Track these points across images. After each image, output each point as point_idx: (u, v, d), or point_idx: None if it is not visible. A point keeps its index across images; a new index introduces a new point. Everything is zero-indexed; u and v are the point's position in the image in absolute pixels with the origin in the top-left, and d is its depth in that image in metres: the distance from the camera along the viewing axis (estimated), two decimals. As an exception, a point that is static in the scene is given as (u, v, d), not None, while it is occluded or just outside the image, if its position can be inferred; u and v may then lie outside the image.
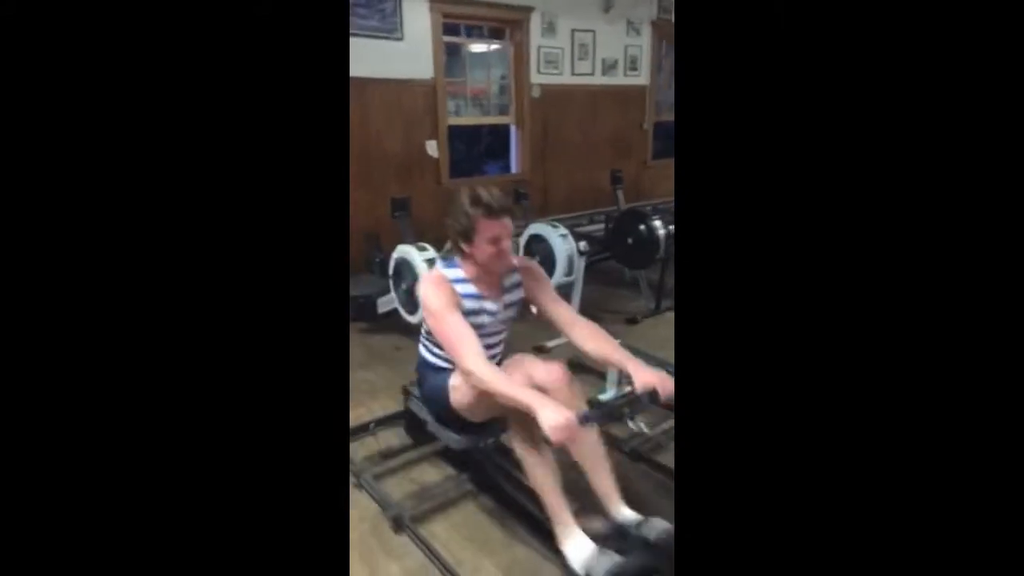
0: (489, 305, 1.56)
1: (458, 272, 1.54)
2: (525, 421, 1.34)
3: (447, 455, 1.92)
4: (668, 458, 1.88)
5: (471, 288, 1.53)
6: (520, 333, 2.85)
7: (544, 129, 4.68)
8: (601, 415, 1.72)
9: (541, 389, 1.44)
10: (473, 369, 1.36)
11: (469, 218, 1.43)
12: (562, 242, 2.78)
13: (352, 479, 1.80)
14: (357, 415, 2.21)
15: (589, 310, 3.14)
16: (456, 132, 4.33)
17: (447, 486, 1.81)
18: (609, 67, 4.91)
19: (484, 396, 1.38)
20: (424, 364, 1.68)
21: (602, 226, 3.78)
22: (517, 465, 1.50)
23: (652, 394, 1.35)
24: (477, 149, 5.35)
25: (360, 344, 2.93)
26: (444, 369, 1.59)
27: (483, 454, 1.83)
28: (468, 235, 1.46)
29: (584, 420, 1.31)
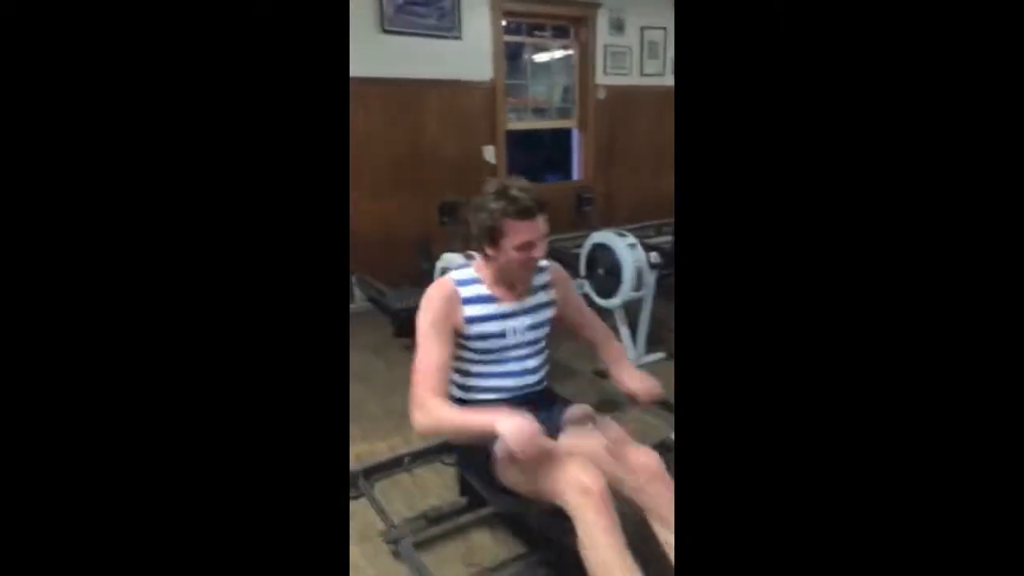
0: (505, 307, 1.29)
1: (469, 271, 1.31)
2: (559, 471, 1.08)
3: (510, 519, 1.49)
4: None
5: (483, 289, 1.28)
6: (575, 351, 2.56)
7: (610, 133, 4.37)
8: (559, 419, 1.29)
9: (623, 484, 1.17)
10: (421, 398, 1.16)
11: (495, 218, 1.19)
12: (630, 252, 2.45)
13: (390, 546, 1.45)
14: (392, 444, 1.95)
15: (658, 330, 2.80)
16: (515, 138, 4.09)
17: (513, 569, 1.37)
18: (682, 66, 4.54)
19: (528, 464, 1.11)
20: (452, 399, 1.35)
21: (671, 238, 3.48)
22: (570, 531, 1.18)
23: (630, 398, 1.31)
24: (538, 157, 5.10)
25: (405, 362, 2.68)
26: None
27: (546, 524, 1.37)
28: (493, 238, 1.22)
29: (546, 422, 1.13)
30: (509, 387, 1.31)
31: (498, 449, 1.16)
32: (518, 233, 1.19)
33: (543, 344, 1.38)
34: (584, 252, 2.69)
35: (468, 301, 1.26)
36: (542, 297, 1.36)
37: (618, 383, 1.36)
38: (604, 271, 2.56)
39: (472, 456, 1.30)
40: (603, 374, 2.49)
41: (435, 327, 1.22)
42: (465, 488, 1.54)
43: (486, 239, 1.23)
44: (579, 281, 2.68)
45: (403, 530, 1.48)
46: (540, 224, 1.21)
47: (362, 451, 1.95)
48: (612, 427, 1.28)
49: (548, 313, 1.36)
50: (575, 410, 1.33)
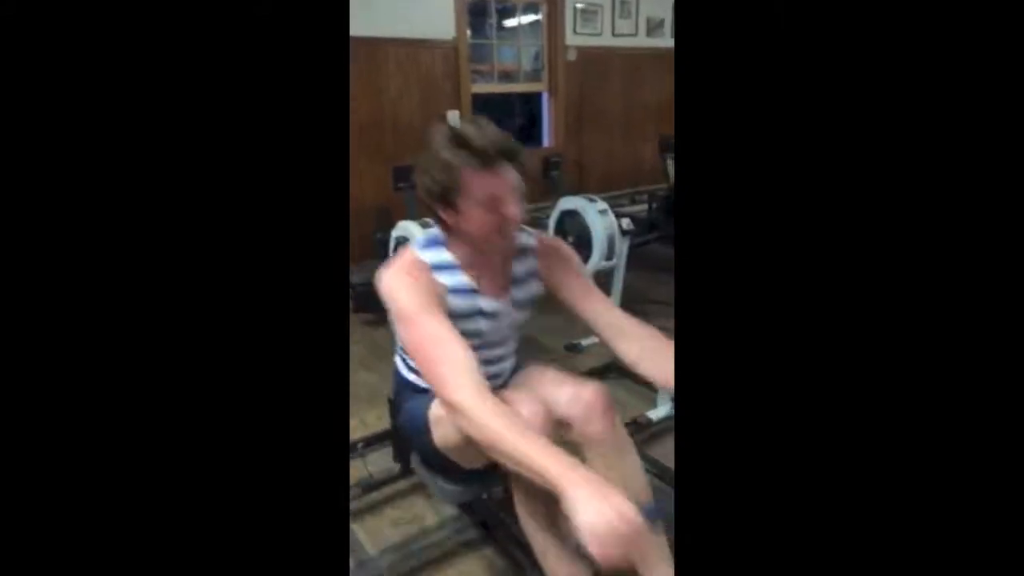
0: (488, 303, 1.04)
1: (442, 254, 1.01)
2: (542, 496, 0.88)
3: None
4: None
5: (461, 278, 1.01)
6: (546, 326, 2.46)
7: (580, 97, 4.18)
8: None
9: (566, 422, 0.98)
10: (462, 404, 0.84)
11: (450, 170, 0.91)
12: (601, 219, 2.30)
13: None
14: (351, 426, 1.80)
15: (632, 302, 2.68)
16: (482, 103, 3.88)
17: (443, 534, 1.38)
18: (655, 27, 4.35)
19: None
20: (400, 382, 1.17)
21: (645, 207, 3.36)
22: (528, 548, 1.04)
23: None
24: (506, 124, 4.89)
25: (362, 339, 2.53)
26: (426, 392, 1.07)
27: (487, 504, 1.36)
28: (449, 197, 0.93)
29: (651, 516, 0.82)
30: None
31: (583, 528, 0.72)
32: (480, 186, 0.91)
33: (515, 336, 1.17)
34: (552, 220, 2.54)
35: (453, 292, 1.00)
36: (529, 290, 1.10)
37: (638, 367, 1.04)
38: (574, 239, 2.42)
39: (411, 432, 1.11)
40: (574, 348, 2.38)
41: (426, 305, 0.93)
42: (399, 454, 1.48)
43: (440, 201, 0.94)
44: (548, 250, 2.54)
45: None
46: (510, 175, 0.93)
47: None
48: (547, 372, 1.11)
49: (530, 307, 1.13)
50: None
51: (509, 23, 4.07)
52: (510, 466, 0.81)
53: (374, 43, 3.30)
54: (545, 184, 3.05)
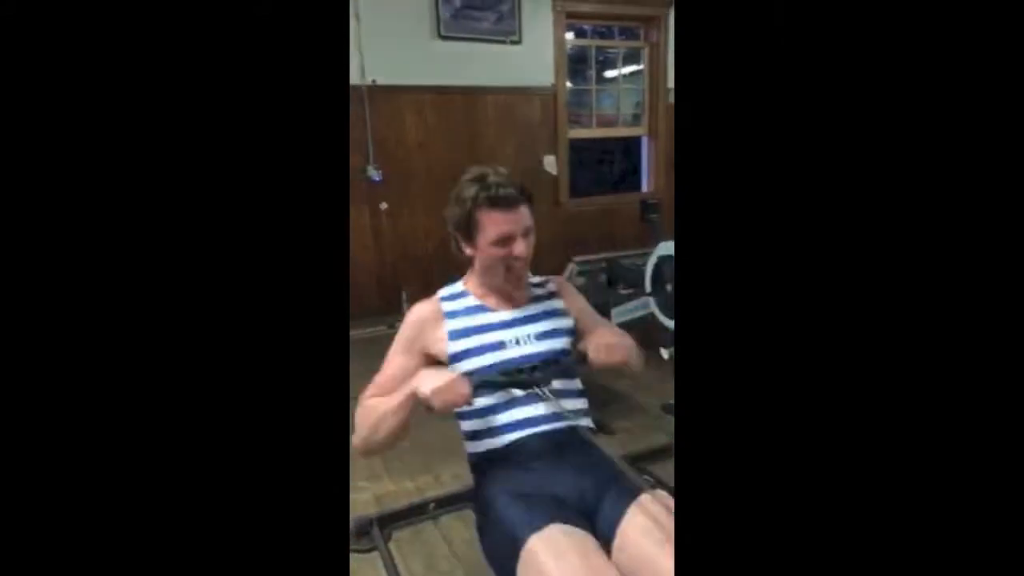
0: (503, 316, 1.06)
1: (457, 286, 1.11)
2: None
3: None
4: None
5: (472, 301, 1.08)
6: (639, 383, 2.24)
7: (683, 141, 4.01)
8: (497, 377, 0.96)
9: None
10: (353, 442, 0.97)
11: (468, 208, 0.98)
12: (704, 266, 2.11)
13: None
14: (420, 485, 1.70)
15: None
16: (580, 151, 3.82)
17: None
18: (765, 66, 4.14)
19: None
20: (470, 458, 1.07)
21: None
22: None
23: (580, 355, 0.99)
24: (608, 171, 4.80)
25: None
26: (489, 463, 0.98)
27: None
28: (468, 231, 1.01)
29: (477, 381, 0.92)
30: (534, 417, 0.98)
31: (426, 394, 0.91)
32: (494, 225, 0.98)
33: (567, 359, 1.02)
34: (649, 265, 2.36)
35: (453, 315, 1.06)
36: (549, 304, 1.10)
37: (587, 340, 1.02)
38: (672, 287, 2.22)
39: (494, 538, 0.94)
40: (671, 410, 2.15)
41: (402, 344, 1.06)
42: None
43: (461, 234, 1.02)
44: (643, 299, 2.35)
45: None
46: (522, 215, 0.99)
47: (385, 491, 1.71)
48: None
49: (565, 322, 1.08)
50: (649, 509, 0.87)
51: (610, 74, 4.02)
52: (388, 436, 0.95)
53: (473, 92, 3.36)
54: (643, 228, 2.89)
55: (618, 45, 3.96)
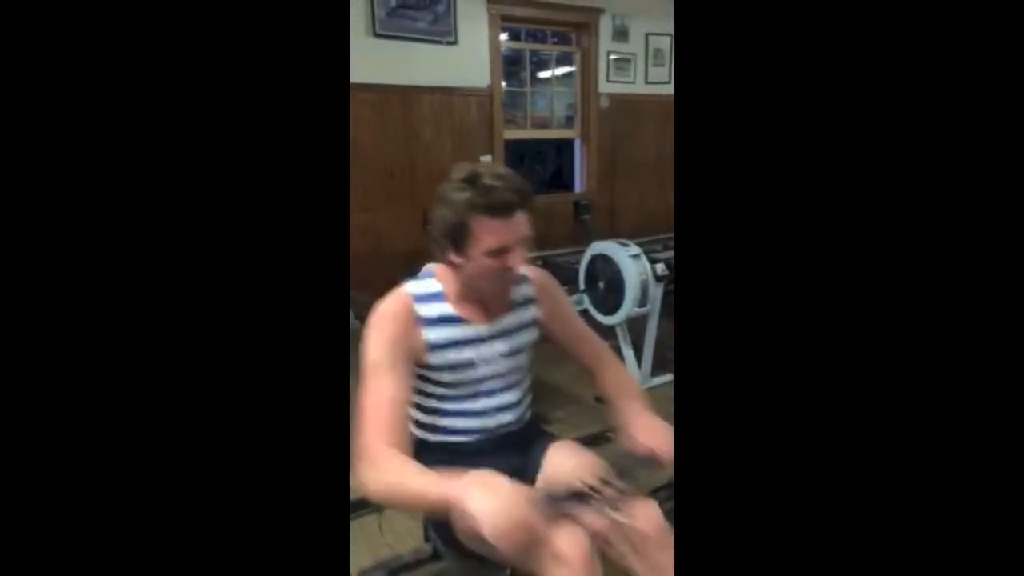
0: (476, 330, 0.99)
1: (431, 284, 1.00)
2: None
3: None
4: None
5: (447, 309, 0.98)
6: (575, 375, 2.35)
7: (613, 144, 4.18)
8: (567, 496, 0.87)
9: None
10: (367, 479, 0.82)
11: (460, 213, 0.89)
12: (634, 264, 2.23)
13: None
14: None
15: (665, 350, 2.56)
16: (515, 151, 3.91)
17: None
18: (688, 75, 4.37)
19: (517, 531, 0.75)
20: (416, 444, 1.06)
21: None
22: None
23: (650, 455, 0.93)
24: (539, 172, 4.91)
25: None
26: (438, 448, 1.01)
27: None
28: (458, 240, 0.92)
29: (549, 503, 0.80)
30: (481, 428, 1.04)
31: (463, 527, 0.77)
32: (489, 234, 0.90)
33: (523, 373, 1.09)
34: (583, 264, 2.47)
35: (429, 322, 0.97)
36: (523, 315, 1.06)
37: (629, 437, 0.97)
38: (605, 285, 2.34)
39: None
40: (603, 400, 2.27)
41: (388, 355, 0.92)
42: (430, 533, 1.28)
43: (449, 241, 0.93)
44: (578, 296, 2.47)
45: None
46: (519, 223, 0.91)
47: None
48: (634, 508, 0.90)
49: (530, 335, 1.07)
50: (561, 463, 0.99)
51: (543, 74, 4.13)
52: (415, 508, 0.89)
53: (410, 91, 3.38)
54: (576, 230, 3.01)
55: (551, 49, 4.07)
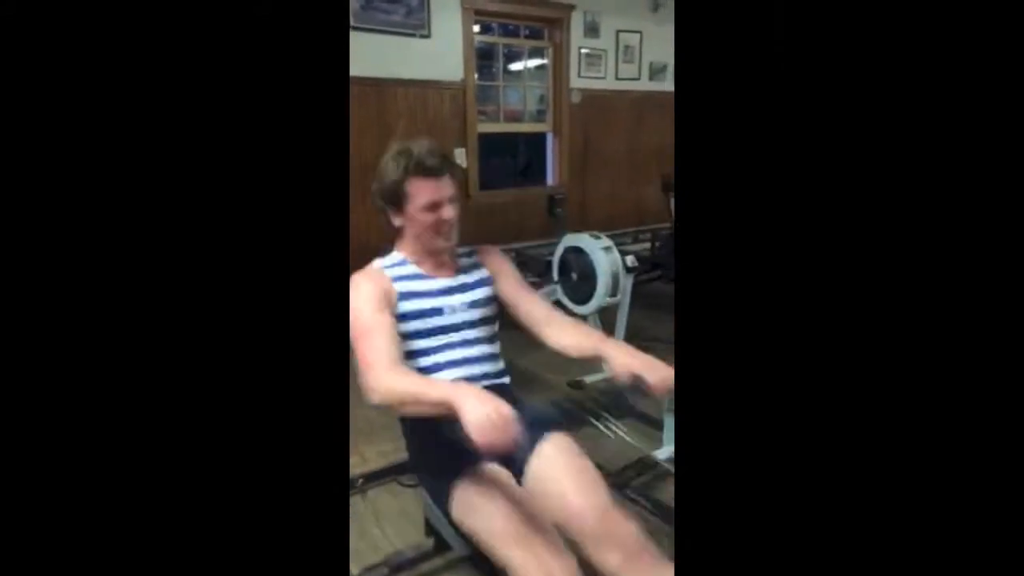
0: (437, 282, 1.17)
1: (393, 255, 1.20)
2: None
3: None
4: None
5: (412, 268, 1.18)
6: (550, 362, 2.43)
7: (584, 138, 4.26)
8: (555, 414, 1.09)
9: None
10: (373, 368, 0.97)
11: (396, 177, 1.10)
12: (605, 256, 2.31)
13: None
14: (351, 462, 1.78)
15: (636, 339, 2.67)
16: (488, 144, 3.95)
17: None
18: (657, 71, 4.47)
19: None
20: (409, 426, 1.18)
21: (648, 245, 3.38)
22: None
23: (636, 381, 1.00)
24: (511, 164, 4.98)
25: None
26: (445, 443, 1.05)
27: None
28: (397, 200, 1.12)
29: (525, 417, 0.90)
30: (465, 377, 1.13)
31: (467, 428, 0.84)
32: (422, 192, 1.09)
33: (493, 327, 1.23)
34: (556, 256, 2.55)
35: (398, 279, 1.15)
36: (476, 274, 1.23)
37: (611, 368, 1.06)
38: (577, 276, 2.43)
39: (433, 486, 1.11)
40: (578, 385, 2.36)
41: (372, 304, 1.06)
42: (431, 527, 1.31)
43: (390, 204, 1.13)
44: (551, 287, 2.54)
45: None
46: (446, 183, 1.11)
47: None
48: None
49: (486, 292, 1.22)
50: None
51: (515, 67, 4.18)
52: (417, 408, 0.94)
53: (383, 84, 3.39)
54: (549, 222, 3.08)
55: (523, 43, 4.12)
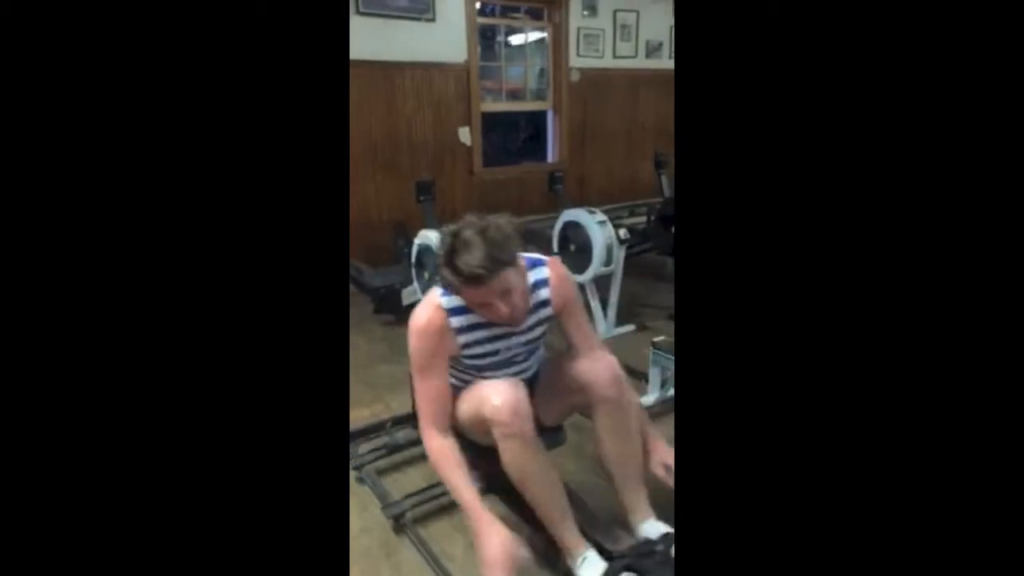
0: (500, 331, 1.22)
1: (457, 300, 1.18)
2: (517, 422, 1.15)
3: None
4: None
5: (474, 318, 1.20)
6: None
7: (583, 116, 4.44)
8: None
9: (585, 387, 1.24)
10: (427, 440, 1.22)
11: (452, 283, 1.11)
12: (600, 229, 2.55)
13: (354, 473, 1.69)
14: (375, 411, 2.04)
15: (630, 306, 2.92)
16: (491, 121, 4.14)
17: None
18: (653, 49, 4.63)
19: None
20: None
21: (643, 219, 3.59)
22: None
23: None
24: (513, 140, 5.16)
25: (384, 338, 2.77)
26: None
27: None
28: (456, 292, 1.15)
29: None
30: (512, 374, 1.29)
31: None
32: (471, 296, 1.12)
33: (540, 344, 1.33)
34: (556, 230, 2.78)
35: (460, 331, 1.20)
36: (540, 314, 1.25)
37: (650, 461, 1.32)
38: (575, 248, 2.66)
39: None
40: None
41: (431, 363, 1.19)
42: None
43: (452, 290, 1.15)
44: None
45: (366, 458, 1.74)
46: (494, 287, 1.07)
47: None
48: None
49: (545, 314, 1.26)
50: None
51: (516, 40, 4.34)
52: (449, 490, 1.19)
53: (391, 67, 3.57)
54: (549, 197, 3.30)
55: (523, 23, 4.28)
